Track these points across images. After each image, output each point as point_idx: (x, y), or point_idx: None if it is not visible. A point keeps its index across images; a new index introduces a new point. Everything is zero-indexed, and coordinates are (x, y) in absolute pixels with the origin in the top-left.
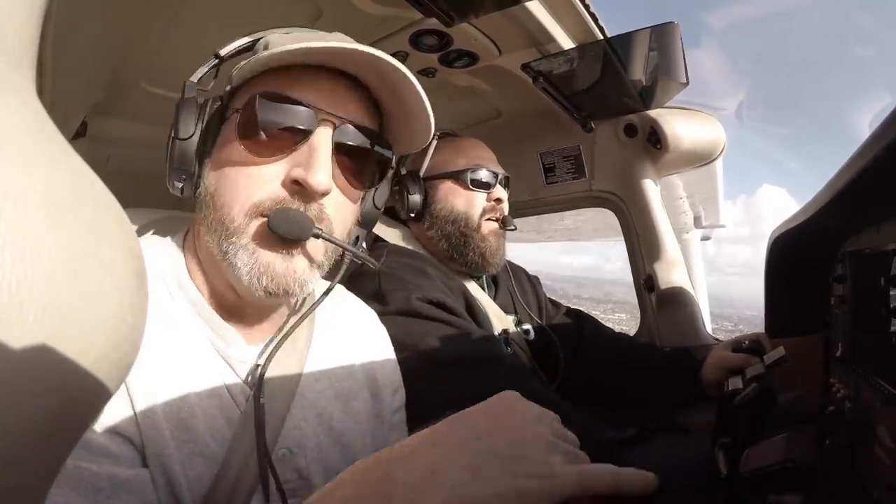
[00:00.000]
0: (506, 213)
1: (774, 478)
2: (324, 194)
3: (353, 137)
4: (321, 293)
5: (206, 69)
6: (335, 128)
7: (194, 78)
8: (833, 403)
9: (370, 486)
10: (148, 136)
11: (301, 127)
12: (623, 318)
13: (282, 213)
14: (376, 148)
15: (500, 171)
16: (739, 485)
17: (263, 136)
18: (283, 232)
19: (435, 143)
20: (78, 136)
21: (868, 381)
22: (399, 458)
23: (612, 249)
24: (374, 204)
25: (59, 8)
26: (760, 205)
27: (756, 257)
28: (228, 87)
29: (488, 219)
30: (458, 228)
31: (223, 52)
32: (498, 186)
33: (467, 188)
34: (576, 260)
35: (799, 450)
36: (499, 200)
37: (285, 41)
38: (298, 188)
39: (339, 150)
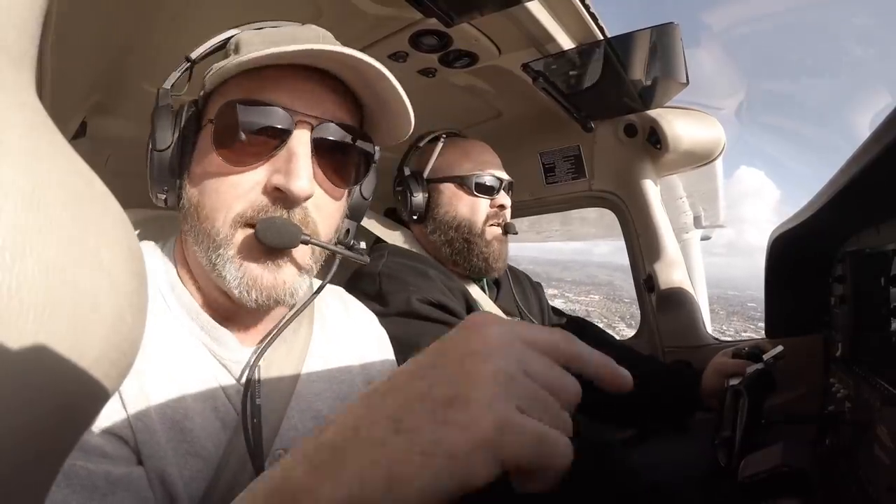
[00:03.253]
0: (509, 219)
1: (772, 483)
2: (306, 199)
3: (333, 135)
4: (314, 291)
5: (178, 74)
6: (313, 128)
7: (167, 84)
8: (833, 403)
9: (306, 454)
10: (148, 137)
11: (277, 130)
12: (595, 300)
13: (268, 223)
14: (357, 143)
15: (505, 177)
16: (739, 489)
17: (239, 143)
18: (271, 242)
19: (440, 144)
20: (78, 136)
21: (868, 381)
22: (337, 416)
23: None
24: (362, 195)
25: (59, 8)
26: (738, 186)
27: (739, 239)
28: (202, 93)
29: (492, 224)
30: (461, 234)
31: (193, 55)
32: (502, 192)
33: (471, 194)
34: (566, 244)
35: (795, 455)
36: (502, 207)
37: (255, 41)
38: (280, 195)
39: (319, 149)
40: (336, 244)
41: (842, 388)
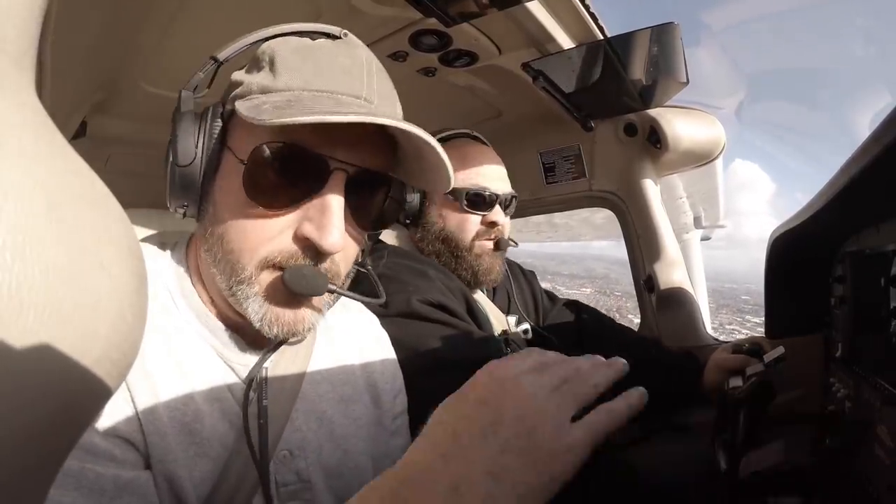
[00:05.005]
0: (504, 235)
1: (773, 480)
2: (335, 253)
3: (366, 184)
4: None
5: (203, 75)
6: (348, 176)
7: (190, 87)
8: (833, 403)
9: None
10: (148, 136)
11: (313, 178)
12: (587, 293)
13: (296, 273)
14: (389, 190)
15: (503, 191)
16: (740, 486)
17: (271, 186)
18: (299, 290)
19: None
20: (78, 136)
21: (868, 381)
22: (414, 479)
23: None
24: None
25: (58, 8)
26: (734, 178)
27: (737, 232)
28: (227, 108)
29: (482, 240)
30: (447, 248)
31: (221, 55)
32: (497, 208)
33: (461, 209)
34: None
35: (797, 453)
36: (493, 224)
37: (293, 62)
38: (310, 244)
39: (350, 195)
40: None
41: (842, 388)
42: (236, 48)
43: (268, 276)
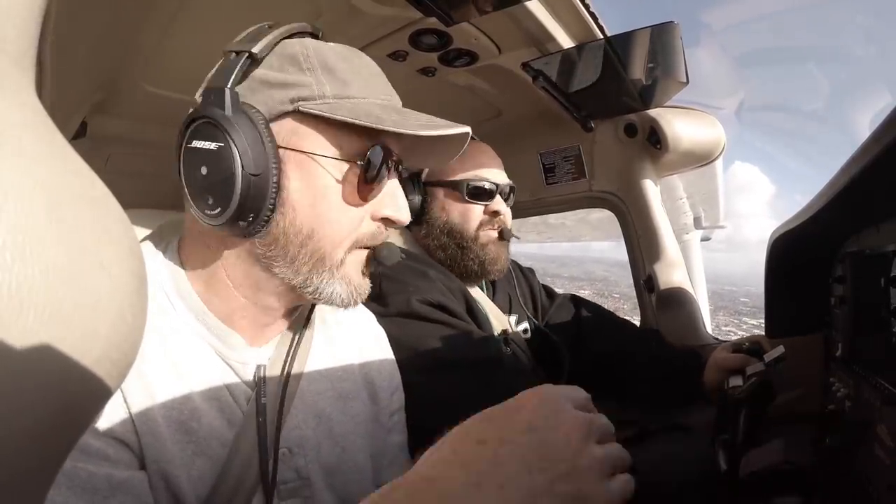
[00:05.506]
0: (507, 224)
1: (774, 480)
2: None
3: (405, 175)
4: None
5: (238, 71)
6: (398, 167)
7: (229, 84)
8: (833, 403)
9: None
10: (148, 136)
11: (387, 171)
12: (586, 295)
13: (386, 249)
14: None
15: (502, 182)
16: (739, 486)
17: (368, 182)
18: (386, 262)
19: None
20: (78, 136)
21: (868, 381)
22: (448, 495)
23: None
24: None
25: (58, 8)
26: (733, 181)
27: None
28: (290, 107)
29: (486, 230)
30: (453, 240)
31: (256, 49)
32: (498, 198)
33: (463, 200)
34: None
35: (798, 452)
36: (496, 213)
37: (342, 67)
38: (386, 222)
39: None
40: None
41: (842, 388)
42: (271, 38)
43: (353, 257)
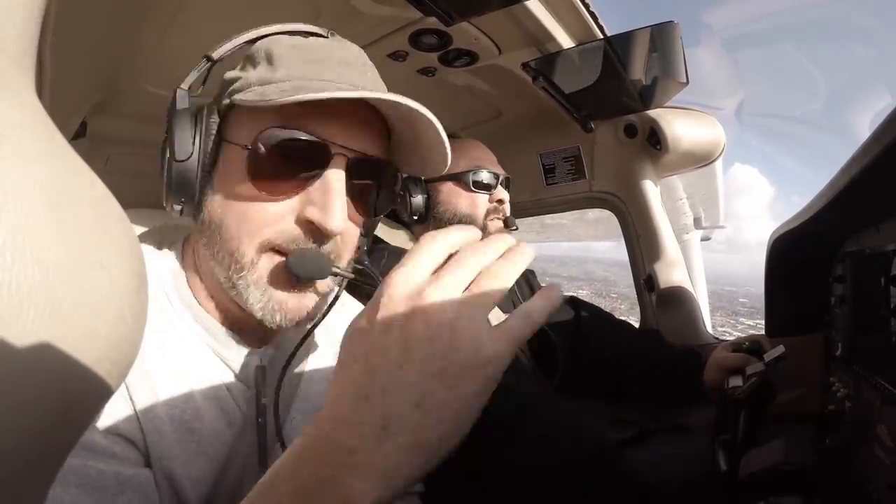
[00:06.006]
0: (508, 213)
1: (773, 480)
2: (338, 234)
3: (366, 169)
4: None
5: (198, 74)
6: (348, 161)
7: (185, 85)
8: (833, 403)
9: (317, 467)
10: (148, 137)
11: (316, 162)
12: (583, 294)
13: (300, 257)
14: (387, 178)
15: (501, 172)
16: (739, 486)
17: (273, 171)
18: (303, 275)
19: None
20: (78, 136)
21: (868, 381)
22: (342, 422)
23: None
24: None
25: (58, 8)
26: (732, 182)
27: (737, 236)
28: (226, 101)
29: (492, 219)
30: None
31: (215, 54)
32: (499, 187)
33: (469, 190)
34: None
35: (798, 452)
36: (501, 201)
37: (291, 57)
38: (313, 227)
39: (351, 182)
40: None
41: (842, 388)
42: (229, 47)
43: (268, 261)
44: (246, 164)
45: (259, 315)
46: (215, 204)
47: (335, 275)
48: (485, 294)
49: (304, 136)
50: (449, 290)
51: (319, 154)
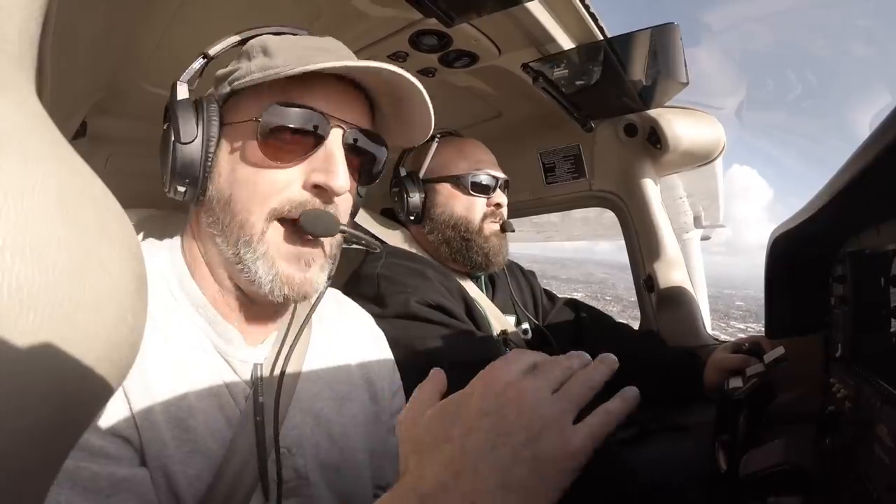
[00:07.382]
0: (505, 217)
1: (773, 480)
2: (343, 194)
3: (360, 139)
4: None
5: (196, 69)
6: (344, 132)
7: (184, 78)
8: (833, 403)
9: None
10: (148, 136)
11: (318, 132)
12: (579, 297)
13: (312, 215)
14: (377, 149)
15: (500, 175)
16: (739, 486)
17: (280, 142)
18: (315, 231)
19: (435, 144)
20: (78, 136)
21: (868, 381)
22: (428, 497)
23: None
24: (359, 193)
25: (58, 8)
26: (731, 184)
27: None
28: (227, 89)
29: (489, 222)
30: (458, 233)
31: (212, 51)
32: (498, 191)
33: (467, 193)
34: (568, 242)
35: (797, 452)
36: (498, 205)
37: (284, 46)
38: (319, 191)
39: (347, 152)
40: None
41: (842, 388)
42: (226, 44)
43: (276, 231)
44: (254, 135)
45: (266, 288)
46: (222, 180)
47: (343, 232)
48: (574, 394)
49: (307, 108)
50: (541, 386)
51: (322, 124)
